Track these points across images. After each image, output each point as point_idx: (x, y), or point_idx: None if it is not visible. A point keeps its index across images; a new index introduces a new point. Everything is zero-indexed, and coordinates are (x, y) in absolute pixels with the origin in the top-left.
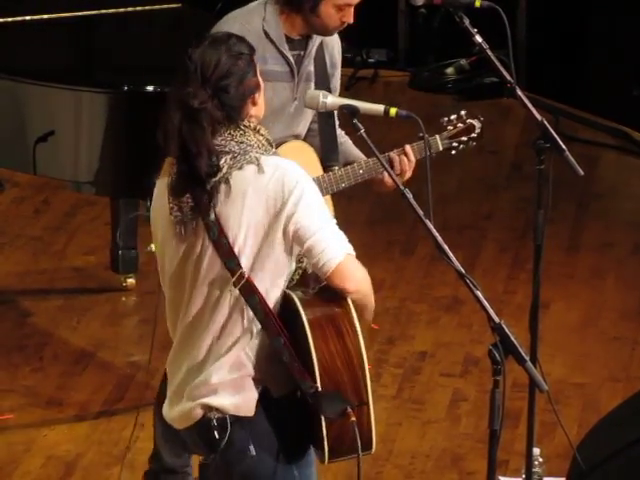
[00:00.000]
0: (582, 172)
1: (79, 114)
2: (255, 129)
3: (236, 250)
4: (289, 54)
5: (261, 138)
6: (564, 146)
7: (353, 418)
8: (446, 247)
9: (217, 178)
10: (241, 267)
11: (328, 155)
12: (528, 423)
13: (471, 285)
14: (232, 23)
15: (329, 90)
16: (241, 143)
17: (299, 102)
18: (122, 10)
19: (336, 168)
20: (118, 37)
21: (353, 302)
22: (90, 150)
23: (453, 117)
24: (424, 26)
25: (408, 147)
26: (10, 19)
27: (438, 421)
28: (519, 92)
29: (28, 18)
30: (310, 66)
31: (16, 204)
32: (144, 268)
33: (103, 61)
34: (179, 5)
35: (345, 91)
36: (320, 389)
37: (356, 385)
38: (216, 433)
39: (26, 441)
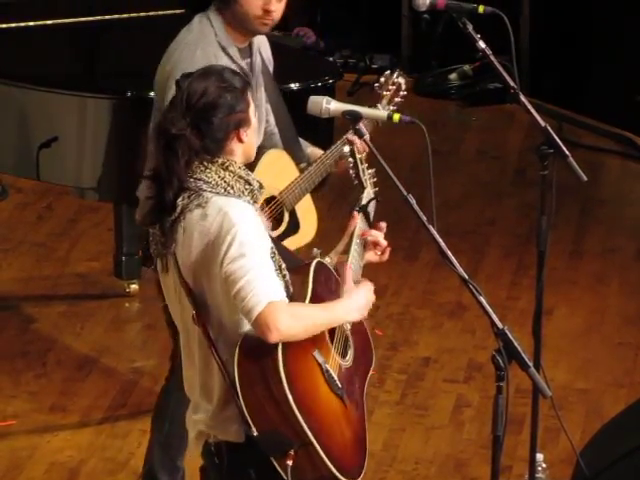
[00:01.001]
0: (585, 178)
1: (82, 120)
2: (223, 165)
3: (192, 289)
4: (243, 63)
5: (227, 175)
6: (567, 152)
7: (289, 461)
8: (449, 253)
9: (172, 217)
10: (194, 307)
11: (293, 154)
12: (531, 429)
13: (474, 291)
14: (193, 49)
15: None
16: (198, 180)
17: (257, 110)
18: (126, 16)
19: (305, 165)
20: (122, 43)
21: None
22: (93, 156)
23: (382, 80)
24: (427, 32)
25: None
26: (14, 25)
27: (441, 427)
28: (522, 98)
29: (32, 24)
30: (259, 70)
31: (19, 210)
32: (147, 274)
33: (107, 67)
34: (182, 11)
35: (348, 96)
36: (256, 433)
37: (292, 428)
38: (215, 458)
39: (29, 447)
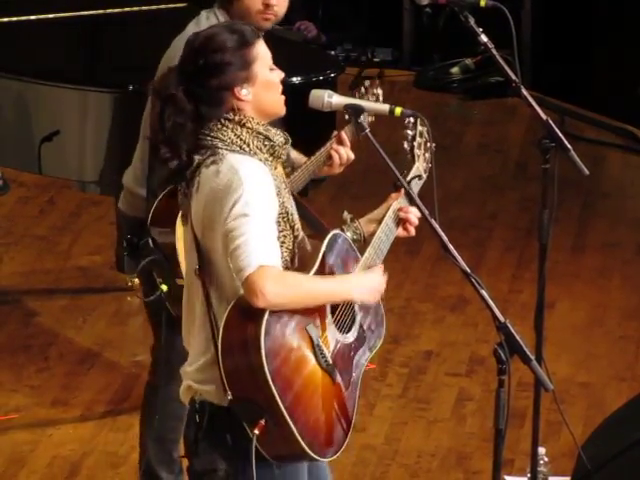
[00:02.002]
0: (587, 171)
1: (84, 114)
2: (240, 122)
3: (199, 243)
4: None
5: (244, 132)
6: (569, 145)
7: (256, 431)
8: (451, 246)
9: (189, 172)
10: (198, 260)
11: None
12: (533, 422)
13: (476, 284)
14: None
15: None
16: (214, 139)
17: None
18: (128, 9)
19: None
20: (124, 37)
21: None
22: (95, 150)
23: (363, 91)
24: (429, 25)
25: (342, 133)
26: (15, 19)
27: (443, 420)
28: (524, 91)
29: (34, 18)
30: None
31: (21, 204)
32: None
33: (108, 61)
34: (184, 4)
35: (350, 90)
36: (230, 397)
37: (265, 398)
38: (197, 416)
39: (31, 441)
